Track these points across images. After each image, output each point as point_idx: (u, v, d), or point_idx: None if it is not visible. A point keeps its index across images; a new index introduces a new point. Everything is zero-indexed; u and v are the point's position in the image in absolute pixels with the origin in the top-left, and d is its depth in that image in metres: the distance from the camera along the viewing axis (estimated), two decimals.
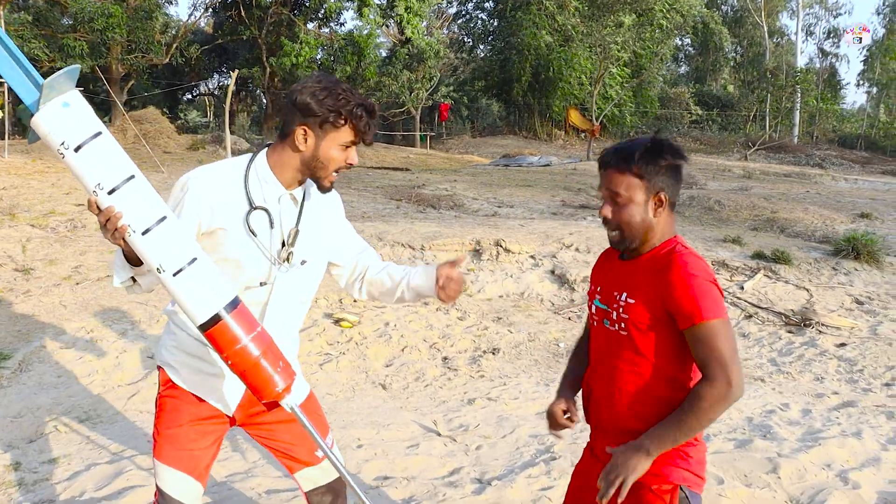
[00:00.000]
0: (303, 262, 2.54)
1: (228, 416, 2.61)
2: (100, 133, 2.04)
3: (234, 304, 2.20)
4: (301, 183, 2.51)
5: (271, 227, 2.45)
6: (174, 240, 2.15)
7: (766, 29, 52.23)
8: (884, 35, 51.07)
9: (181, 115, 49.97)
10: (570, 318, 8.19)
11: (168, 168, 16.21)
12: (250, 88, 44.16)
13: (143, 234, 2.09)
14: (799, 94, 43.18)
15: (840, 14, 74.14)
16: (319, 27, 38.30)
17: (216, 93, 48.44)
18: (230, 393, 2.56)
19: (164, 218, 2.13)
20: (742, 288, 9.35)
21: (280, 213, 2.48)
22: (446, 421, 5.23)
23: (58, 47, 27.79)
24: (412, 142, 39.18)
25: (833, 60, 56.05)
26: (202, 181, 2.41)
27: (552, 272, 9.38)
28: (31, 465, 4.34)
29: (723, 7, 55.97)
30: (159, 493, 2.51)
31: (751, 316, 8.55)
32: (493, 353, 6.95)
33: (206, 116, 56.00)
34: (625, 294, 2.29)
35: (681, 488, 2.28)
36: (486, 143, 38.51)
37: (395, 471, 4.37)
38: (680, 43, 53.22)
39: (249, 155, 2.51)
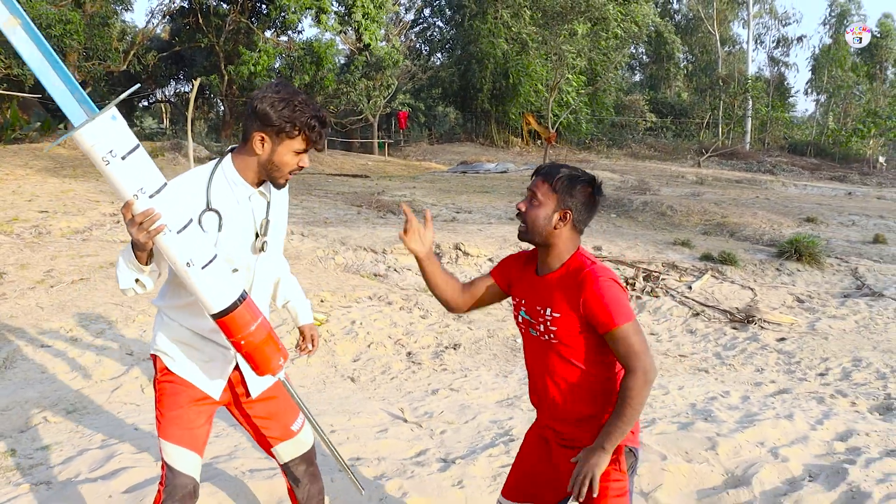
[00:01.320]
0: (265, 247, 2.88)
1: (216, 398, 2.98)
2: (138, 144, 2.33)
3: (244, 296, 2.59)
4: (263, 182, 2.83)
5: (219, 229, 2.73)
6: (201, 238, 2.51)
7: (718, 37, 53.35)
8: (830, 44, 52.41)
9: (137, 122, 49.67)
10: None
11: None
12: (207, 96, 44.08)
13: (179, 232, 2.41)
14: (750, 102, 44.15)
15: (789, 24, 75.97)
16: (277, 35, 38.39)
17: (173, 100, 48.25)
18: (217, 379, 2.94)
19: (192, 220, 2.47)
20: (690, 288, 9.82)
21: (252, 210, 2.82)
22: (412, 409, 5.59)
23: (12, 53, 27.54)
24: (370, 149, 39.45)
25: (782, 68, 57.44)
26: (173, 192, 2.61)
27: None
28: (25, 451, 4.61)
29: (676, 16, 57.06)
30: (167, 467, 2.85)
31: (698, 314, 9.02)
32: (455, 349, 7.33)
33: (163, 124, 55.72)
34: (549, 309, 2.69)
35: (626, 447, 2.71)
36: (443, 150, 38.89)
37: (366, 453, 4.71)
38: (634, 51, 54.10)
39: (215, 161, 2.82)
